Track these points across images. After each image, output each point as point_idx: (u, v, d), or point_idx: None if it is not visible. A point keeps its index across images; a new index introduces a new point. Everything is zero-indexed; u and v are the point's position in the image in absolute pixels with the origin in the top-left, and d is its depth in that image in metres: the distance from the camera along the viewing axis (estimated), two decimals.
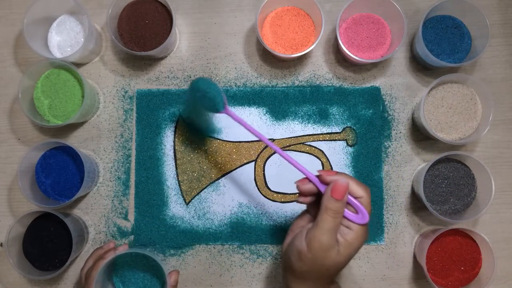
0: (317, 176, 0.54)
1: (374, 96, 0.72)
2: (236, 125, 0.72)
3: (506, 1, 0.73)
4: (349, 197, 0.51)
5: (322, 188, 0.53)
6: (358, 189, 0.52)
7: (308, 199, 0.56)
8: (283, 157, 0.56)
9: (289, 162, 0.56)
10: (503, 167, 0.72)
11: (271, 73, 0.73)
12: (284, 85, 0.73)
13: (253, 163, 0.72)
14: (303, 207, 0.71)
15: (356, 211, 0.51)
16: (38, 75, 0.69)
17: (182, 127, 0.73)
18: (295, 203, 0.72)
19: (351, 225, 0.51)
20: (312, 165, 0.72)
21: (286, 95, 0.73)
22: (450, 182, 0.68)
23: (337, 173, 0.52)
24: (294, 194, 0.72)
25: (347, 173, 0.71)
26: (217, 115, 0.64)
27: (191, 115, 0.70)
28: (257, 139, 0.72)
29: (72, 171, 0.70)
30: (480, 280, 0.66)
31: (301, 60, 0.74)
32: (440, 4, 0.66)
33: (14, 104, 0.74)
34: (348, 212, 0.52)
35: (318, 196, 0.55)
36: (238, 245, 0.72)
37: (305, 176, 0.55)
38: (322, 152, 0.72)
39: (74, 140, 0.73)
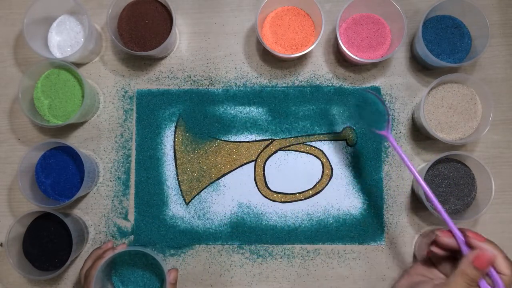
0: (464, 235, 0.51)
1: None
2: (235, 125, 0.72)
3: (506, 1, 0.73)
4: (491, 269, 0.48)
5: (465, 249, 0.51)
6: (504, 266, 0.48)
7: (442, 252, 0.53)
8: (441, 215, 0.54)
9: (443, 217, 0.54)
10: (503, 167, 0.72)
11: (271, 73, 0.73)
12: (284, 85, 0.73)
13: (253, 163, 0.72)
14: (307, 209, 0.71)
15: (493, 285, 0.49)
16: (38, 75, 0.69)
17: (182, 127, 0.73)
18: (295, 203, 0.72)
19: None
20: (312, 165, 0.72)
21: (286, 95, 0.73)
22: (450, 182, 0.68)
23: (487, 240, 0.50)
24: (294, 194, 0.72)
25: (347, 173, 0.72)
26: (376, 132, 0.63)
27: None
28: (257, 139, 0.72)
29: (72, 171, 0.70)
30: None
31: (301, 60, 0.74)
32: (440, 4, 0.66)
33: (14, 104, 0.74)
34: (484, 283, 0.49)
35: (452, 251, 0.53)
36: (238, 245, 0.72)
37: (448, 229, 0.53)
38: (322, 152, 0.72)
39: (74, 140, 0.73)
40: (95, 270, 0.60)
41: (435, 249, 0.54)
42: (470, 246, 0.50)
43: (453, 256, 0.52)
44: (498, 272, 0.48)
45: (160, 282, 0.64)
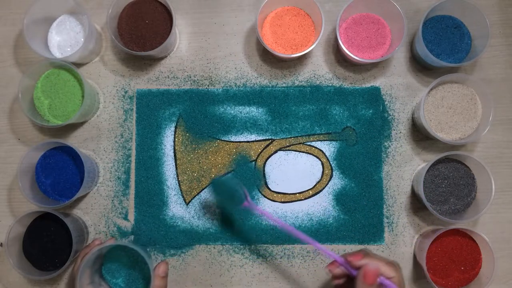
0: (346, 260, 0.55)
1: (374, 96, 0.72)
2: (235, 125, 0.73)
3: (506, 1, 0.73)
4: (381, 278, 0.52)
5: (353, 271, 0.54)
6: (388, 270, 0.53)
7: (341, 280, 0.57)
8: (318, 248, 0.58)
9: (322, 250, 0.57)
10: (503, 167, 0.72)
11: (271, 73, 0.73)
12: (284, 85, 0.73)
13: (253, 163, 0.72)
14: (307, 209, 0.71)
15: None
16: (38, 75, 0.69)
17: (182, 127, 0.73)
18: (295, 203, 0.72)
19: None
20: (312, 165, 0.72)
21: (286, 95, 0.73)
22: (450, 182, 0.68)
23: (364, 256, 0.53)
24: (294, 194, 0.72)
25: (347, 173, 0.72)
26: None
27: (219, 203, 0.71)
28: (257, 139, 0.72)
29: (72, 171, 0.70)
30: (480, 280, 0.66)
31: (301, 60, 0.74)
32: (440, 4, 0.66)
33: (14, 104, 0.74)
34: None
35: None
36: (238, 245, 0.72)
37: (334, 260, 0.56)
38: (322, 152, 0.72)
39: (74, 140, 0.73)
40: (81, 265, 0.59)
41: (335, 282, 0.57)
42: (357, 268, 0.54)
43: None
44: (387, 278, 0.52)
45: (148, 278, 0.63)
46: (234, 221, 0.71)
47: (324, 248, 0.57)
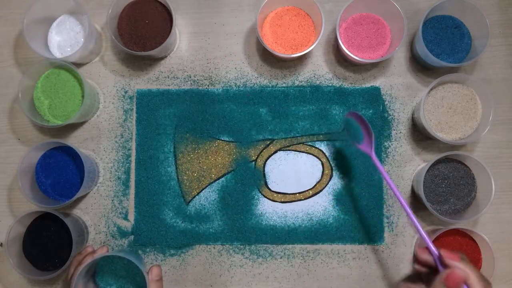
0: (440, 254, 0.52)
1: (374, 96, 0.72)
2: (235, 125, 0.72)
3: (506, 1, 0.73)
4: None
5: (441, 266, 0.52)
6: (477, 284, 0.49)
7: (424, 269, 0.55)
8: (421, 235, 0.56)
9: (421, 236, 0.55)
10: (503, 167, 0.72)
11: (271, 73, 0.73)
12: (284, 85, 0.73)
13: (253, 163, 0.72)
14: (307, 209, 0.71)
15: None
16: (38, 75, 0.69)
17: (182, 127, 0.73)
18: (295, 203, 0.72)
19: None
20: (312, 165, 0.72)
21: (286, 95, 0.73)
22: (450, 182, 0.68)
23: (462, 258, 0.50)
24: (294, 194, 0.72)
25: (347, 173, 0.72)
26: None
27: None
28: (257, 139, 0.72)
29: (72, 171, 0.70)
30: None
31: (301, 60, 0.74)
32: (440, 4, 0.66)
33: (14, 104, 0.74)
34: None
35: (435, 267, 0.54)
36: (238, 245, 0.72)
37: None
38: (322, 152, 0.72)
39: (74, 140, 0.73)
40: (74, 277, 0.59)
41: (416, 266, 0.55)
42: (446, 265, 0.51)
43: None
44: None
45: (143, 283, 0.63)
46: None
47: (424, 234, 0.54)
